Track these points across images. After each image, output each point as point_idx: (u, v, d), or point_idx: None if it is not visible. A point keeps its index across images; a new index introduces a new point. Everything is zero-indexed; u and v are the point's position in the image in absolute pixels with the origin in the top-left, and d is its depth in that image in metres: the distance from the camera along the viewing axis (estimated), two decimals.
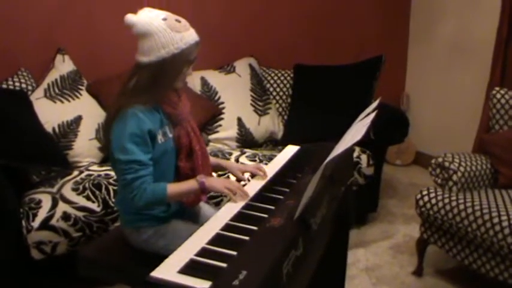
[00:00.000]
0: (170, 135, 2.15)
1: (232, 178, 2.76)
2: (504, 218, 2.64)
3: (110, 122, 2.08)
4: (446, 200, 2.95)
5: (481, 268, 2.81)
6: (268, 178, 2.34)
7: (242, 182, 2.34)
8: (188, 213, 2.36)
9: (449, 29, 4.74)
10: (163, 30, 1.99)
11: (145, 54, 2.02)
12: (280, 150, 3.03)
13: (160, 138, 2.09)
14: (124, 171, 2.01)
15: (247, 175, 2.46)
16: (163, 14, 2.05)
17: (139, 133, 2.00)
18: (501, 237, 2.60)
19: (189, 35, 2.04)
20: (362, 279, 3.21)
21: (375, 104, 2.30)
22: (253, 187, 2.20)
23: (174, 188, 2.08)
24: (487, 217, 2.70)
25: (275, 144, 4.13)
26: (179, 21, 2.05)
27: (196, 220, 2.36)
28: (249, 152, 3.67)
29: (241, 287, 1.38)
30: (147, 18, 2.01)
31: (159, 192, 2.04)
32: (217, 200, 3.07)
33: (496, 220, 2.65)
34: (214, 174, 2.88)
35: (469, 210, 2.80)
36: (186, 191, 2.13)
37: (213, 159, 2.47)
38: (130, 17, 2.02)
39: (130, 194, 2.03)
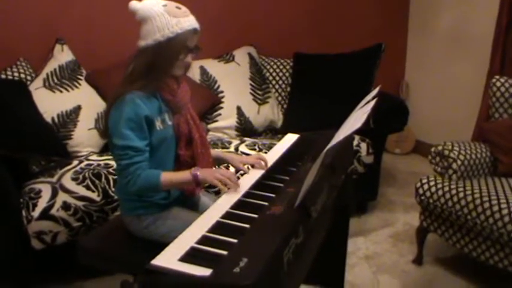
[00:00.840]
0: (169, 123, 2.16)
1: (232, 169, 2.77)
2: (504, 205, 2.64)
3: (109, 107, 2.10)
4: (446, 188, 2.95)
5: (480, 256, 2.82)
6: (268, 167, 2.34)
7: (241, 172, 2.35)
8: (189, 201, 2.36)
9: (449, 18, 4.73)
10: (160, 14, 2.03)
11: (144, 38, 2.06)
12: (279, 139, 3.03)
13: (158, 125, 2.10)
14: (120, 157, 2.04)
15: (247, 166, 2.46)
16: (165, 1, 2.09)
17: (135, 119, 2.01)
18: (501, 225, 2.60)
19: (186, 21, 2.06)
20: (362, 267, 3.21)
21: (374, 92, 2.30)
22: (252, 176, 2.20)
23: (168, 176, 2.09)
24: (486, 205, 2.70)
25: (274, 132, 4.13)
26: (179, 8, 2.08)
27: (196, 208, 2.37)
28: (248, 140, 3.67)
29: (242, 275, 1.38)
30: (149, 4, 2.06)
31: (152, 179, 2.05)
32: (217, 189, 3.07)
33: (495, 208, 2.66)
34: (217, 166, 2.90)
35: (469, 198, 2.80)
36: (179, 181, 2.13)
37: (214, 152, 2.47)
38: (134, 4, 2.08)
39: (124, 179, 2.05)
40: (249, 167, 2.38)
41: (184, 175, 2.11)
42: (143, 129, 2.04)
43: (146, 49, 2.05)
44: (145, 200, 2.20)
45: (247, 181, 2.16)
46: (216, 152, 2.52)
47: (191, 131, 2.23)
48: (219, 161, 2.59)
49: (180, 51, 2.08)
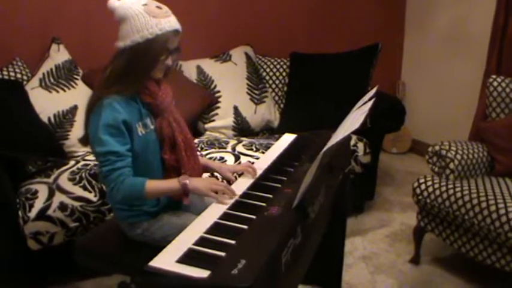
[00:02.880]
0: (152, 127, 2.11)
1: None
2: (501, 205, 2.64)
3: (88, 113, 2.03)
4: (443, 188, 2.94)
5: (478, 256, 2.82)
6: (266, 166, 2.31)
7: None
8: (180, 205, 2.28)
9: (446, 17, 4.73)
10: (139, 14, 1.96)
11: (122, 39, 2.00)
12: (276, 139, 3.03)
13: (140, 130, 2.05)
14: (101, 163, 1.97)
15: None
16: (146, 0, 2.01)
17: (114, 124, 1.94)
18: (498, 225, 2.60)
19: (166, 22, 1.98)
20: (359, 267, 3.21)
21: (372, 92, 2.30)
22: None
23: (154, 184, 2.01)
24: (484, 205, 2.70)
25: (271, 132, 4.12)
26: (160, 8, 2.00)
27: (187, 209, 2.29)
28: (245, 140, 3.66)
29: (240, 276, 1.38)
30: (128, 2, 1.99)
31: (137, 187, 1.98)
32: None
33: (493, 208, 2.66)
34: (206, 174, 2.84)
35: (466, 198, 2.80)
36: (166, 190, 2.07)
37: (202, 160, 2.37)
38: (112, 2, 2.02)
39: (108, 187, 1.99)
40: (237, 176, 2.35)
41: (171, 184, 2.05)
42: (123, 134, 1.98)
43: (124, 51, 1.99)
44: (134, 209, 2.14)
45: (238, 188, 2.09)
46: (204, 160, 2.42)
47: (174, 135, 2.15)
48: (205, 170, 2.44)
49: (159, 54, 2.01)
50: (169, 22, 1.99)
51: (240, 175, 2.34)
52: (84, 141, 2.13)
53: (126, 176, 1.97)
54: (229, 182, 2.21)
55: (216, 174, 2.89)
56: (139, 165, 2.06)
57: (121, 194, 1.96)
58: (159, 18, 1.97)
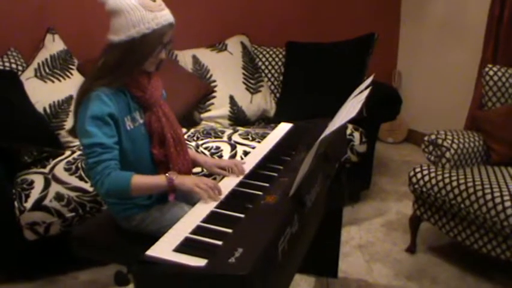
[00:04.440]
0: (141, 121, 2.08)
1: None
2: (497, 194, 2.65)
3: (76, 105, 2.00)
4: (439, 177, 2.95)
5: (473, 244, 2.83)
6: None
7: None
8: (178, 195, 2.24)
9: (441, 6, 4.72)
10: (134, 8, 1.91)
11: (115, 33, 1.95)
12: (272, 128, 3.03)
13: (128, 124, 2.02)
14: (87, 155, 1.92)
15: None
16: None
17: (100, 116, 1.91)
18: (494, 214, 2.61)
19: (162, 15, 1.95)
20: (355, 256, 3.22)
21: (368, 81, 2.29)
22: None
23: (139, 180, 1.95)
24: (480, 194, 2.71)
25: (267, 122, 4.12)
26: (153, 0, 1.96)
27: (185, 198, 2.23)
28: (241, 130, 3.66)
29: (237, 265, 1.38)
30: None
31: (122, 180, 1.93)
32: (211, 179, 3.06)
33: (489, 197, 2.66)
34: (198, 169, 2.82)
35: (462, 187, 2.81)
36: (152, 186, 2.01)
37: (190, 153, 2.33)
38: None
39: (93, 179, 1.93)
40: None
41: (158, 179, 2.00)
42: (110, 127, 1.94)
43: (119, 45, 1.94)
44: (127, 202, 2.12)
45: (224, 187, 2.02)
46: (192, 153, 2.38)
47: (163, 130, 2.12)
48: (194, 164, 2.38)
49: (155, 48, 1.98)
50: (165, 16, 1.97)
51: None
52: (73, 132, 2.08)
53: (112, 169, 1.92)
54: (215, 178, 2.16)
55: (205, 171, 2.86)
56: (129, 160, 2.03)
57: (105, 187, 1.91)
58: (154, 12, 1.93)
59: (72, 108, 3.26)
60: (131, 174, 1.94)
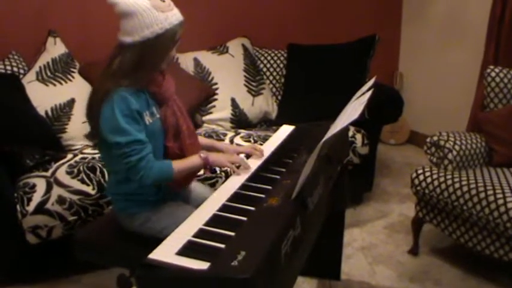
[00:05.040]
0: (157, 116, 2.13)
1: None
2: (499, 196, 2.64)
3: (97, 106, 2.01)
4: (442, 179, 2.95)
5: (476, 246, 2.82)
6: (264, 157, 2.34)
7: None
8: (180, 195, 2.34)
9: (443, 7, 4.72)
10: (147, 9, 1.94)
11: (129, 34, 1.98)
12: (274, 130, 3.03)
13: (147, 119, 2.07)
14: (127, 154, 1.98)
15: (242, 155, 2.44)
16: None
17: (129, 113, 1.97)
18: (496, 215, 2.60)
19: (173, 15, 2.00)
20: (358, 258, 3.21)
21: (370, 83, 2.29)
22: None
23: (179, 164, 2.09)
24: (482, 195, 2.70)
25: (269, 124, 4.12)
26: (163, 1, 2.00)
27: (187, 201, 2.36)
28: (243, 132, 3.66)
29: (240, 268, 1.38)
30: None
31: (166, 169, 2.06)
32: (213, 181, 3.06)
33: (491, 198, 2.66)
34: None
35: (465, 189, 2.80)
36: (190, 166, 2.14)
37: (207, 141, 2.47)
38: None
39: (137, 175, 2.01)
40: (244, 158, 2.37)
41: (194, 160, 2.14)
42: (139, 122, 2.01)
43: (133, 46, 1.98)
44: (135, 199, 2.17)
45: (255, 163, 2.25)
46: (209, 141, 2.52)
47: (178, 123, 2.19)
48: (212, 151, 2.46)
49: (169, 47, 2.05)
50: (175, 15, 2.02)
51: (248, 157, 2.37)
52: (91, 136, 2.17)
53: (152, 161, 2.03)
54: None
55: None
56: None
57: (151, 178, 2.03)
58: (166, 12, 1.98)
59: (74, 111, 3.32)
60: (170, 162, 2.09)
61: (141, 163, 1.99)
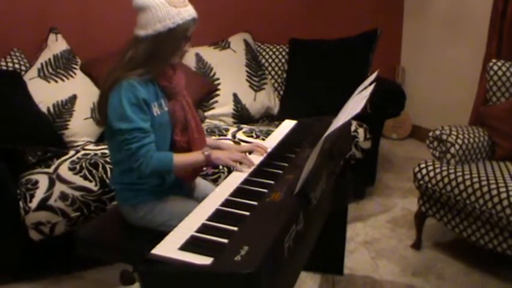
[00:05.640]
0: (166, 109, 2.17)
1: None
2: (502, 189, 2.64)
3: (105, 94, 2.08)
4: (445, 173, 2.94)
5: (479, 240, 2.82)
6: (267, 152, 2.35)
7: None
8: (184, 187, 2.37)
9: (445, 1, 4.71)
10: (160, 4, 2.01)
11: (143, 28, 2.04)
12: (276, 126, 3.02)
13: (156, 110, 2.11)
14: (128, 141, 2.03)
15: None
16: None
17: (136, 102, 2.02)
18: (499, 209, 2.60)
19: (186, 11, 2.06)
20: (361, 253, 3.21)
21: (372, 77, 2.29)
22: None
23: (180, 158, 2.12)
24: (485, 189, 2.70)
25: (271, 119, 4.12)
26: None
27: (191, 195, 2.39)
28: (245, 127, 3.65)
29: (243, 263, 1.38)
30: None
31: (165, 160, 2.09)
32: (215, 177, 3.06)
33: (494, 192, 2.65)
34: None
35: (468, 183, 2.80)
36: (192, 162, 2.18)
37: (209, 140, 2.47)
38: None
39: (136, 162, 2.05)
40: (247, 154, 2.37)
41: (196, 156, 2.17)
42: (145, 112, 2.05)
43: (146, 39, 2.04)
44: (139, 188, 2.20)
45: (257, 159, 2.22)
46: (213, 141, 2.54)
47: (187, 117, 2.24)
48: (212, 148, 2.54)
49: (181, 41, 2.10)
50: (188, 11, 2.08)
51: (250, 153, 2.38)
52: (101, 122, 2.22)
53: (153, 151, 2.06)
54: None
55: None
56: None
57: (150, 168, 2.05)
58: (178, 7, 2.04)
59: (75, 107, 3.32)
60: (171, 154, 2.12)
61: (141, 151, 2.03)
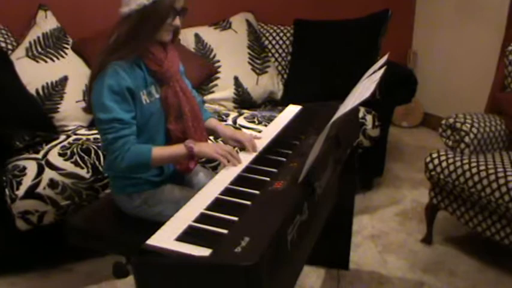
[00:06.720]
0: (157, 96, 2.14)
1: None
2: None
3: (91, 80, 2.06)
4: (458, 163, 2.94)
5: (495, 235, 2.82)
6: (270, 138, 2.32)
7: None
8: (183, 178, 2.36)
9: None
10: None
11: (126, 4, 2.01)
12: (280, 111, 3.02)
13: (145, 98, 2.08)
14: (105, 131, 2.01)
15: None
16: None
17: (118, 90, 1.98)
18: None
19: None
20: (367, 247, 3.22)
21: (383, 60, 2.28)
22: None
23: (159, 151, 2.07)
24: (502, 181, 2.69)
25: (274, 104, 4.12)
26: None
27: (191, 186, 2.36)
28: (247, 113, 3.65)
29: (243, 254, 1.38)
30: None
31: (143, 154, 2.03)
32: (214, 164, 3.06)
33: (511, 185, 2.65)
34: (211, 138, 2.87)
35: (483, 174, 2.79)
36: (173, 155, 2.12)
37: (211, 122, 2.45)
38: None
39: (111, 155, 2.02)
40: (238, 151, 2.29)
41: (177, 149, 2.10)
42: (128, 101, 2.01)
43: (130, 15, 2.00)
44: (136, 177, 2.18)
45: (245, 157, 2.14)
46: (214, 122, 2.48)
47: (181, 104, 2.19)
48: (213, 134, 2.52)
49: (167, 14, 2.04)
50: None
51: (241, 150, 2.32)
52: (88, 110, 2.16)
53: (131, 144, 2.01)
54: None
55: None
56: (143, 136, 2.10)
57: (126, 162, 2.01)
58: None
59: (66, 89, 3.31)
60: (150, 147, 2.05)
61: (117, 142, 2.00)
